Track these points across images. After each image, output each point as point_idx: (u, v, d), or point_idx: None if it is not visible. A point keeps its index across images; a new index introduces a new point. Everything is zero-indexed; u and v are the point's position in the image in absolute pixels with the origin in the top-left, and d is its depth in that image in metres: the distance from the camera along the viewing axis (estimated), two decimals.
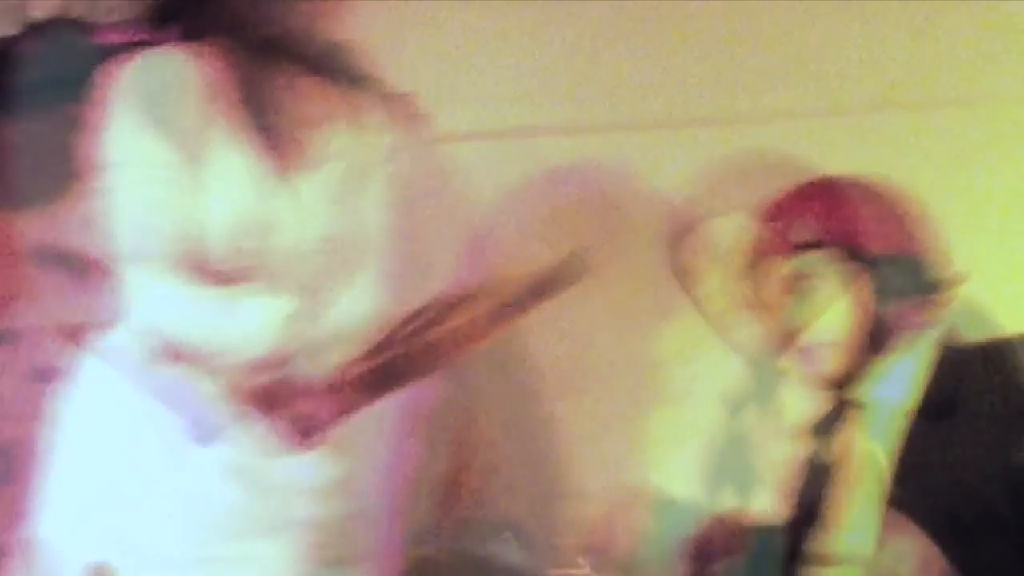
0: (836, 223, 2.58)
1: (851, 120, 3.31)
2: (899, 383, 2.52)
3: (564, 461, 3.33)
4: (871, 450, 2.51)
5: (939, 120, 3.28)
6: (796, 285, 2.58)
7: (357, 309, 2.75)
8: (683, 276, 2.76)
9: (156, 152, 2.64)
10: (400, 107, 2.82)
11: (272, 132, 2.71)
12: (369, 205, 2.79)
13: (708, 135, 3.34)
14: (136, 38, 2.77)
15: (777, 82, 3.35)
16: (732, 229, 2.70)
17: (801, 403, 2.70)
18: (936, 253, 2.61)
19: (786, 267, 2.59)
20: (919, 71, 3.31)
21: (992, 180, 3.27)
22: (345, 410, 2.66)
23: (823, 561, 2.52)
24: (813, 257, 2.58)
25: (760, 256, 2.62)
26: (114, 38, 3.06)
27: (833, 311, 2.56)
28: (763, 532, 2.65)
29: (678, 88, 3.39)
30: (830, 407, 2.63)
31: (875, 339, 2.55)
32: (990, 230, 3.22)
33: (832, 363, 2.56)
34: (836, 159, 3.18)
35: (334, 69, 2.74)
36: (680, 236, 2.76)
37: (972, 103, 3.27)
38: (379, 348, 2.65)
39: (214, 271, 2.65)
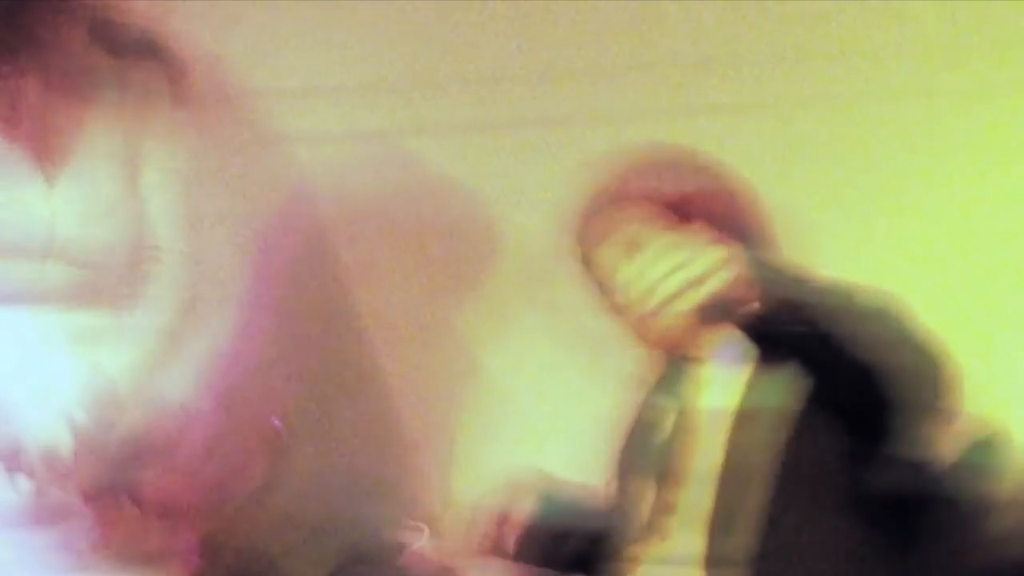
0: (687, 201, 2.57)
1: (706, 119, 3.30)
2: (738, 349, 2.48)
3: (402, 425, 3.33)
4: (711, 411, 2.49)
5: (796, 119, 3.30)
6: (629, 251, 2.55)
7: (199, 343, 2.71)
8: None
9: None
10: (224, 106, 2.77)
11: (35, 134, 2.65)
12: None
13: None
14: None
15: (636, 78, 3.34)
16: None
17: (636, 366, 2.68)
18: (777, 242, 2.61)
19: (617, 239, 2.58)
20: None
21: (845, 178, 3.28)
22: None
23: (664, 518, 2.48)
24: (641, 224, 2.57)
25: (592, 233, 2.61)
26: None
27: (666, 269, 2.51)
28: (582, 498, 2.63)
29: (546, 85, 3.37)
30: (669, 372, 2.61)
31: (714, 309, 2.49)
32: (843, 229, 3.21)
33: (668, 325, 2.49)
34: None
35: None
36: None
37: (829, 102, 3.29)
38: None
39: None
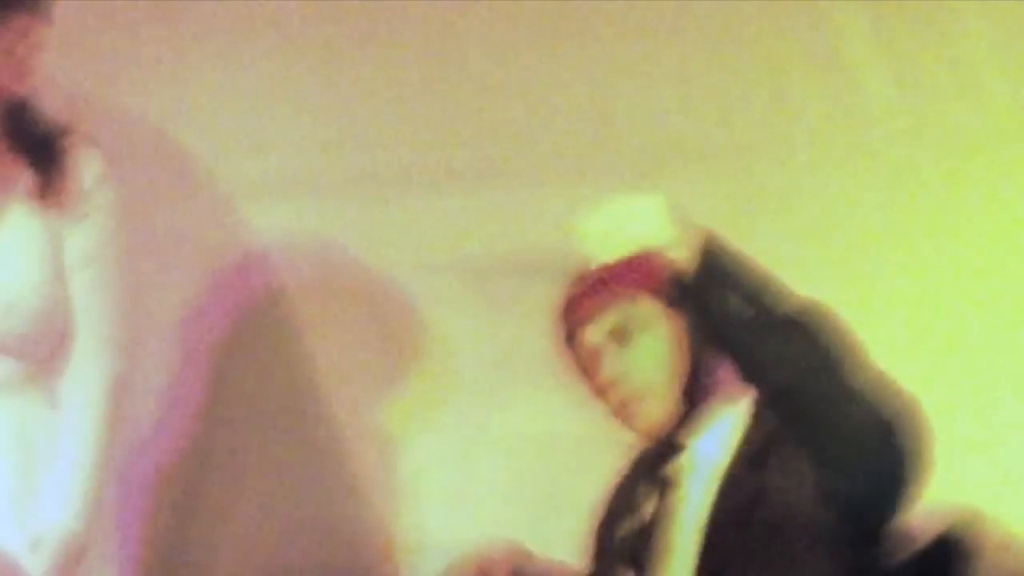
0: (649, 271, 2.48)
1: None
2: (719, 436, 2.48)
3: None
4: (690, 502, 2.45)
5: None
6: (615, 337, 2.52)
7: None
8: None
9: None
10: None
11: None
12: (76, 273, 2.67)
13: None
14: None
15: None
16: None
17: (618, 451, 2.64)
18: None
19: (604, 322, 2.52)
20: None
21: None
22: None
23: None
24: (630, 308, 2.52)
25: (579, 313, 2.56)
26: None
27: (651, 359, 2.50)
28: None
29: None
30: (651, 458, 2.57)
31: (695, 388, 2.50)
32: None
33: (651, 413, 2.49)
34: None
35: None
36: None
37: None
38: None
39: None
